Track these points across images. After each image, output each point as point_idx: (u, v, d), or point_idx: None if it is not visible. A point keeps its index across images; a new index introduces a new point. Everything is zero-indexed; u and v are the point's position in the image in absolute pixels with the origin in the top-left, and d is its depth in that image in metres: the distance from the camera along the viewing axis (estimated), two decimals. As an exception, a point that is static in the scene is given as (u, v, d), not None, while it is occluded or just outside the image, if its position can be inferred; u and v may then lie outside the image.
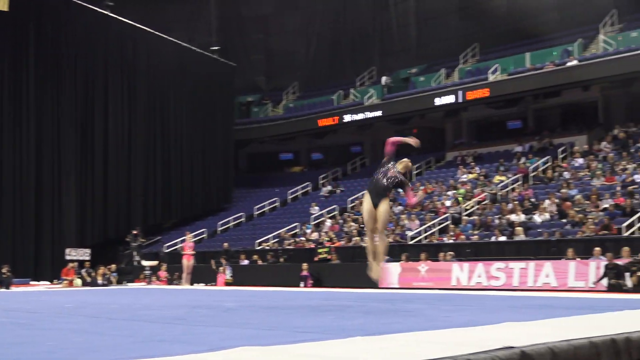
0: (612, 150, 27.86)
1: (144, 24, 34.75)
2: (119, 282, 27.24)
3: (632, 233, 20.27)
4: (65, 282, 25.65)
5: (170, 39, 36.40)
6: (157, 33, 35.35)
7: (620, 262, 17.62)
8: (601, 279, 17.44)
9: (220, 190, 38.76)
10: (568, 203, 23.28)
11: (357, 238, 26.11)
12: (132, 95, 33.86)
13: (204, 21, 42.66)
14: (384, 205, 8.74)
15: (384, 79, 38.33)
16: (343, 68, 44.35)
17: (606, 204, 22.33)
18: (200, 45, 39.39)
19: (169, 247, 32.43)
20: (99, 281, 25.61)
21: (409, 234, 25.24)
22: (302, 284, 23.02)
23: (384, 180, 8.86)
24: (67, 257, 27.92)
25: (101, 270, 26.50)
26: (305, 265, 23.57)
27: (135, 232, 30.17)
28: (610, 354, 4.53)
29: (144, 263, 28.79)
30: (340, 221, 30.04)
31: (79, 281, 25.96)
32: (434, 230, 25.28)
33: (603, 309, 7.56)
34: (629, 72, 28.24)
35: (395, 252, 23.42)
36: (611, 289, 17.15)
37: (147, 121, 34.53)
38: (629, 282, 17.16)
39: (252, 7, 45.22)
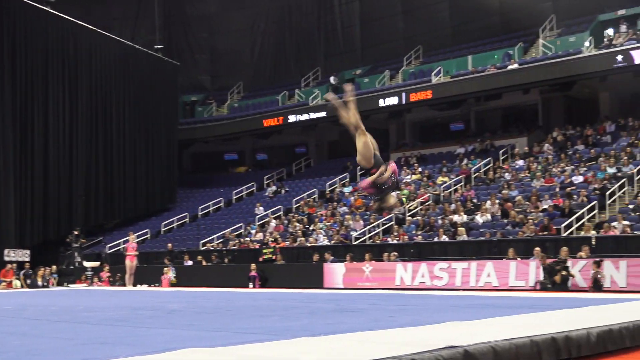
0: (551, 152, 28.44)
1: (86, 21, 34.16)
2: (59, 284, 26.72)
3: (571, 233, 20.74)
4: (4, 284, 25.05)
5: (113, 36, 35.89)
6: (99, 30, 34.79)
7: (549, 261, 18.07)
8: (545, 278, 17.77)
9: (164, 191, 38.33)
10: (509, 204, 23.68)
11: (302, 238, 26.13)
12: (74, 93, 33.24)
13: (147, 19, 42.14)
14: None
15: (332, 79, 38.39)
16: (288, 68, 44.35)
17: (546, 204, 22.78)
18: (143, 43, 38.93)
19: (111, 247, 31.96)
20: (39, 283, 25.09)
21: (354, 234, 25.36)
22: (250, 285, 22.93)
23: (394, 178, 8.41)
24: (6, 258, 27.27)
25: (41, 271, 25.97)
26: (253, 266, 23.49)
27: (76, 232, 29.64)
28: (550, 352, 4.61)
29: (86, 264, 28.30)
30: (285, 222, 30.02)
31: (18, 283, 25.38)
32: (378, 230, 25.44)
33: (543, 307, 7.70)
34: (568, 75, 28.89)
35: (340, 252, 23.51)
36: (541, 287, 17.70)
37: (89, 119, 33.93)
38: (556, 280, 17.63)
39: (197, 6, 44.90)
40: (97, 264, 28.49)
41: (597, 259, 17.44)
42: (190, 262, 27.10)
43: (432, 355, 3.93)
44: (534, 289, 17.72)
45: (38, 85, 31.62)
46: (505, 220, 22.65)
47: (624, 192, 23.07)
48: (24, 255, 28.17)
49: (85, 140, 33.56)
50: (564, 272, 17.62)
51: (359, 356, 3.81)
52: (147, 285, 24.92)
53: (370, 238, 24.87)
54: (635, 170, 23.76)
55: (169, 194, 38.79)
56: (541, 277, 18.02)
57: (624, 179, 23.28)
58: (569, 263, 17.82)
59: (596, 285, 17.03)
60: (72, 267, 28.98)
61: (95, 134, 34.16)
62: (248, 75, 44.94)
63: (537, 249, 18.97)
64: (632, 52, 26.99)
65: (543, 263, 18.10)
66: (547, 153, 28.42)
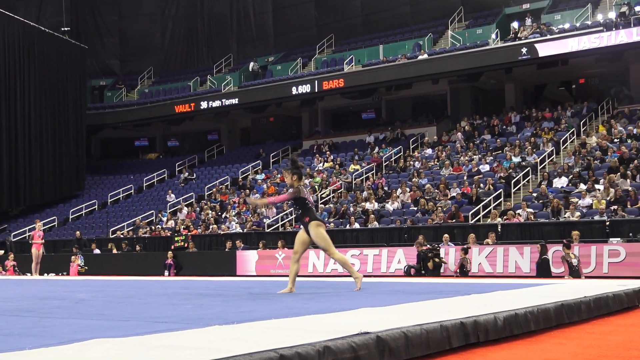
0: (459, 141, 29.08)
1: (-11, 1, 32.88)
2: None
3: (478, 220, 21.28)
4: None
5: (17, 17, 34.60)
6: (1, 10, 33.49)
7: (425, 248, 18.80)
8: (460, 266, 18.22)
9: (72, 177, 37.33)
10: (419, 192, 24.10)
11: (214, 226, 25.94)
12: (-24, 75, 31.98)
13: (53, 0, 40.84)
14: (312, 230, 8.98)
15: (251, 65, 38.03)
16: (200, 54, 43.86)
17: (454, 192, 23.29)
18: (49, 25, 37.75)
19: (16, 235, 30.94)
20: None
21: (266, 221, 25.32)
22: (166, 272, 22.63)
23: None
24: None
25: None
26: (170, 254, 23.17)
27: (-22, 220, 28.59)
28: (459, 336, 4.70)
29: (-12, 253, 27.31)
30: (197, 209, 29.72)
31: None
32: (290, 218, 25.48)
33: (452, 293, 7.86)
34: (475, 67, 29.59)
35: (253, 240, 23.44)
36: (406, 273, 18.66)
37: (-8, 104, 32.71)
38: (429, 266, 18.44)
39: (106, -12, 43.81)
40: (1, 252, 27.50)
41: (465, 247, 18.30)
42: (97, 251, 26.50)
43: (345, 341, 3.95)
44: (448, 275, 18.10)
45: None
46: (415, 208, 23.03)
47: (528, 181, 23.83)
48: None
49: (-12, 124, 32.34)
50: (436, 259, 18.39)
51: (273, 343, 3.79)
52: (54, 274, 24.23)
53: (282, 225, 24.89)
54: (539, 159, 24.56)
55: (77, 180, 37.81)
56: (414, 262, 18.75)
57: (528, 168, 24.05)
58: (442, 250, 18.63)
59: (462, 271, 17.87)
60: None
61: (-2, 119, 32.95)
62: (159, 60, 44.20)
63: (446, 235, 19.39)
64: (537, 45, 27.84)
65: (418, 249, 18.66)
66: (454, 142, 29.05)
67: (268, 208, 23.15)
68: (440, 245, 18.89)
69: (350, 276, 9.63)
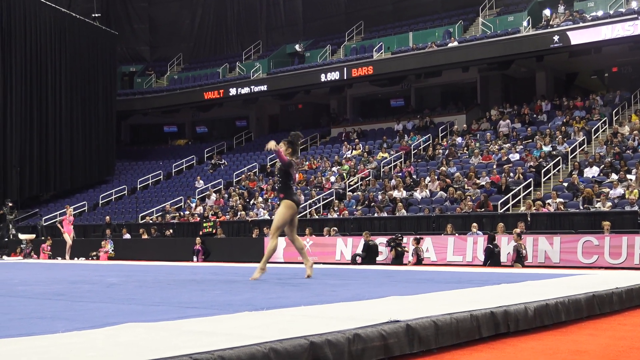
0: (488, 129, 28.87)
1: (21, -13, 33.17)
2: (-7, 256, 26.11)
3: (507, 209, 21.12)
4: None
5: (49, 3, 34.89)
6: (34, -3, 33.85)
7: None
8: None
9: (102, 162, 37.69)
10: (448, 180, 23.97)
11: (242, 212, 26.04)
12: (8, 61, 32.31)
13: (85, -13, 41.13)
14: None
15: (297, 46, 37.77)
16: (229, 41, 43.93)
17: (483, 181, 23.14)
18: (80, 11, 38.00)
19: (47, 220, 31.33)
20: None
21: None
22: (195, 258, 22.78)
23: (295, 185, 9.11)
24: (-64, 231, 26.51)
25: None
26: (198, 240, 23.31)
27: (10, 204, 28.92)
28: (489, 326, 4.68)
29: (21, 236, 27.67)
30: (225, 195, 29.85)
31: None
32: (318, 205, 25.50)
33: (481, 282, 7.82)
34: (506, 54, 29.29)
35: (280, 226, 23.44)
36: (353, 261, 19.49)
37: (24, 89, 33.07)
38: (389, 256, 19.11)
39: (136, -26, 44.01)
40: (32, 236, 27.87)
41: (418, 237, 18.90)
42: (128, 236, 26.75)
43: (375, 329, 3.94)
44: (473, 265, 18.03)
45: (-30, 53, 30.68)
46: (443, 197, 22.93)
47: (558, 170, 23.59)
48: (-45, 227, 27.42)
49: (20, 110, 32.73)
50: (398, 248, 18.89)
51: (303, 330, 3.80)
52: (84, 259, 24.51)
53: (309, 213, 24.91)
54: (570, 148, 24.30)
55: (107, 166, 38.17)
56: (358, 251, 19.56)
57: (559, 157, 23.80)
58: (405, 239, 19.22)
59: (418, 260, 18.48)
60: (6, 239, 28.32)
61: (29, 104, 33.30)
62: (188, 46, 44.35)
63: (475, 224, 19.29)
64: (569, 33, 27.50)
65: (366, 239, 19.37)
66: (483, 130, 28.84)
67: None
68: (401, 235, 19.42)
69: (302, 263, 9.62)
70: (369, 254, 19.32)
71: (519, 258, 17.04)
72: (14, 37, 32.58)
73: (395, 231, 20.70)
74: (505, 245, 18.01)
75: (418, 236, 19.09)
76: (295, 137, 9.30)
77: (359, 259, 19.33)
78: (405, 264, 18.32)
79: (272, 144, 8.88)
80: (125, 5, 44.22)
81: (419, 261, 18.58)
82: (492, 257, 17.35)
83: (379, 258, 19.65)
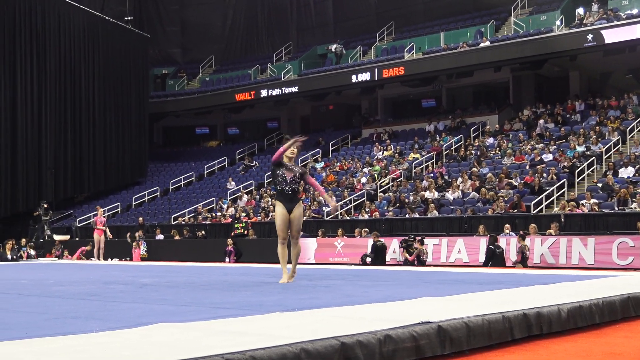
0: (521, 130, 28.64)
1: (55, -9, 33.63)
2: (29, 257, 26.44)
3: (540, 210, 20.94)
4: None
5: (82, 7, 35.33)
6: (68, 0, 34.24)
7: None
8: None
9: (135, 164, 38.05)
10: (480, 181, 23.83)
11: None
12: (42, 64, 32.76)
13: (117, -10, 41.56)
14: (298, 210, 8.81)
15: (334, 47, 37.69)
16: (260, 42, 44.08)
17: (516, 182, 22.97)
18: (113, 14, 38.41)
19: (81, 221, 31.71)
20: (8, 256, 24.79)
21: (326, 210, 25.38)
22: (226, 259, 22.91)
23: (288, 186, 8.83)
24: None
25: (9, 244, 25.63)
26: (230, 241, 23.43)
27: (45, 205, 29.33)
28: (522, 328, 4.65)
29: (56, 237, 28.04)
30: (257, 196, 29.97)
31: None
32: (350, 206, 25.50)
33: (514, 284, 7.77)
34: (539, 54, 29.01)
35: (312, 227, 23.53)
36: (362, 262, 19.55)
37: (58, 91, 33.52)
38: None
39: (167, -23, 44.36)
40: (66, 237, 28.23)
41: (422, 238, 19.24)
42: (161, 236, 26.98)
43: (406, 330, 3.94)
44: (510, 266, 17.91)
45: (5, 57, 31.15)
46: (475, 197, 22.80)
47: (592, 171, 23.33)
48: (-8, 228, 27.87)
49: (54, 112, 33.18)
50: (410, 249, 19.20)
51: (334, 331, 3.81)
52: (117, 260, 24.76)
53: (341, 214, 24.92)
54: (604, 148, 24.03)
55: (139, 167, 38.52)
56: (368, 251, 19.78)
57: (593, 158, 23.54)
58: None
59: (419, 261, 18.81)
60: (42, 240, 28.72)
61: (64, 106, 33.75)
62: (220, 48, 44.58)
63: (507, 225, 19.16)
64: (603, 32, 27.18)
65: (374, 240, 19.61)
66: (517, 131, 28.62)
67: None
68: (413, 236, 19.53)
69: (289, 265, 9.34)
70: (378, 255, 19.48)
71: (523, 259, 17.28)
72: (48, 40, 33.04)
73: (427, 232, 20.65)
74: (506, 245, 18.13)
75: (421, 237, 19.31)
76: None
77: (368, 260, 19.47)
78: (421, 265, 18.46)
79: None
80: (157, 7, 44.58)
81: (420, 262, 18.77)
82: (493, 258, 17.60)
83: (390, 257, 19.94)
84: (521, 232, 18.04)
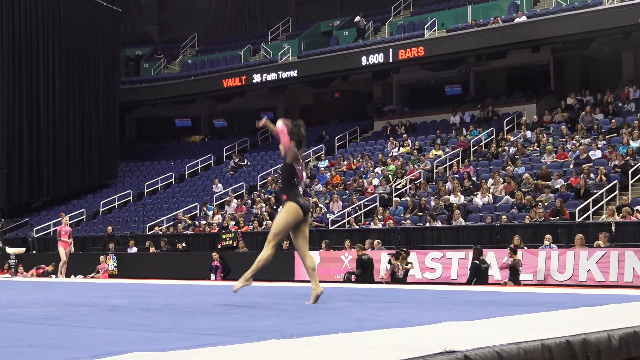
0: (564, 122, 28.61)
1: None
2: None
3: (587, 218, 20.92)
4: None
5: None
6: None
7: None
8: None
9: (103, 163, 38.08)
10: (514, 183, 23.82)
11: (269, 221, 26.15)
12: (-7, 44, 32.85)
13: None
14: (282, 211, 8.78)
15: (357, 18, 37.51)
16: (252, 18, 44.14)
17: (557, 184, 22.95)
18: (78, -16, 38.50)
19: (39, 230, 31.76)
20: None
21: (330, 217, 25.38)
22: (212, 276, 22.92)
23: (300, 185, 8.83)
24: None
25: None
26: (215, 255, 23.46)
27: (-4, 212, 29.43)
28: (565, 357, 4.65)
29: (9, 250, 28.08)
30: (249, 201, 30.00)
31: None
32: (359, 213, 25.50)
33: (556, 305, 7.76)
34: (585, 31, 28.96)
35: (314, 238, 23.52)
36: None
37: (11, 76, 33.58)
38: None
39: (143, -59, 44.43)
40: (22, 250, 28.26)
41: (398, 251, 19.58)
42: (135, 249, 27.02)
43: (426, 361, 3.95)
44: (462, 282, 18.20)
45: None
46: (509, 203, 22.80)
47: (649, 170, 23.32)
48: None
49: (6, 101, 33.24)
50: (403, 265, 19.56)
51: (340, 362, 3.81)
52: (82, 276, 24.81)
53: (348, 222, 24.92)
54: (663, 144, 24.04)
55: (108, 167, 38.56)
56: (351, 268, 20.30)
57: (650, 155, 23.54)
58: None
59: (393, 278, 19.27)
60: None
61: (17, 94, 33.79)
62: (204, 25, 44.62)
63: (548, 236, 19.15)
64: (662, 4, 27.17)
65: (359, 254, 19.98)
66: (557, 123, 28.61)
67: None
68: (406, 249, 19.87)
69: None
70: (365, 271, 19.64)
71: (514, 276, 17.89)
72: None
73: (451, 244, 20.64)
74: (546, 260, 18.34)
75: (399, 250, 19.71)
76: (297, 127, 8.65)
77: (353, 278, 19.72)
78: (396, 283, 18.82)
79: (265, 121, 8.84)
80: (130, -23, 44.72)
81: (394, 280, 19.14)
82: (478, 274, 18.08)
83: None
84: (512, 246, 18.53)
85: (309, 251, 9.21)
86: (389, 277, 19.33)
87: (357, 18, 36.85)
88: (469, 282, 18.10)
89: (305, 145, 8.93)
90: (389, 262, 19.56)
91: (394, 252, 19.69)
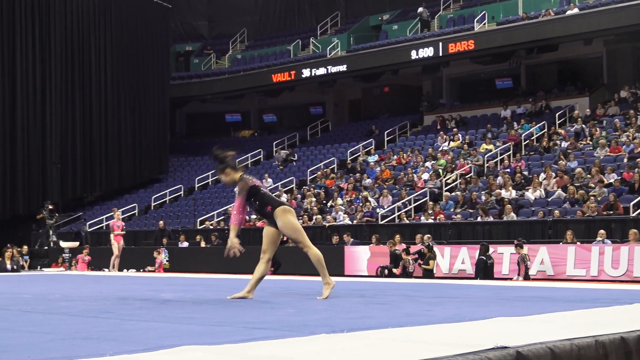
0: (618, 115, 28.24)
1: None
2: (32, 267, 26.92)
3: (641, 213, 20.63)
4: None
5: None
6: (75, -34, 34.79)
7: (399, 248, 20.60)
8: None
9: (154, 158, 38.44)
10: (567, 177, 23.58)
11: (318, 216, 26.20)
12: (46, 41, 33.28)
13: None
14: (279, 219, 8.76)
15: (420, 9, 37.07)
16: (302, 12, 44.17)
17: (611, 178, 22.67)
18: (129, -19, 38.86)
19: (92, 225, 32.14)
20: (8, 266, 25.28)
21: (380, 212, 25.35)
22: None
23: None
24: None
25: (8, 252, 26.12)
26: (267, 248, 23.52)
27: (50, 207, 29.78)
28: (620, 354, 4.59)
29: (63, 244, 28.48)
30: (298, 196, 30.06)
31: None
32: (409, 207, 25.43)
33: (609, 301, 7.67)
34: (639, 23, 28.53)
35: (364, 233, 23.52)
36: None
37: (64, 73, 34.00)
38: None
39: (192, -63, 44.71)
40: (76, 244, 28.63)
41: (408, 248, 20.28)
42: (186, 244, 27.23)
43: (477, 357, 3.92)
44: (598, 280, 17.71)
45: (2, 35, 31.67)
46: (561, 197, 22.57)
47: None
48: (-11, 233, 28.40)
49: (60, 98, 33.65)
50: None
51: (390, 357, 3.81)
52: (134, 270, 25.08)
53: (399, 217, 24.87)
54: None
55: (159, 162, 38.91)
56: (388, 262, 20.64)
57: None
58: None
59: (404, 272, 19.82)
60: (46, 247, 29.19)
61: (71, 91, 34.23)
62: (253, 20, 44.77)
63: (602, 231, 18.92)
64: None
65: (391, 249, 20.50)
66: (611, 116, 28.24)
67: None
68: (429, 244, 20.22)
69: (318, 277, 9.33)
70: (396, 265, 20.19)
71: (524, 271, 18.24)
72: (52, 14, 33.51)
73: (503, 239, 20.51)
74: (599, 255, 18.09)
75: (413, 246, 20.32)
76: (217, 156, 8.97)
77: (387, 272, 20.12)
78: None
79: (234, 241, 8.85)
80: (180, -28, 45.03)
81: (405, 274, 19.67)
82: (484, 270, 18.35)
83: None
84: (516, 241, 18.69)
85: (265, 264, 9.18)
86: (401, 271, 19.92)
87: (420, 9, 36.56)
88: (475, 278, 18.43)
89: (237, 163, 9.14)
90: (402, 256, 20.16)
91: (404, 247, 20.32)
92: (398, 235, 21.80)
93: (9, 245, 25.44)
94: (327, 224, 25.23)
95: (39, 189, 32.57)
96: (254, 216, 28.81)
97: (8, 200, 31.58)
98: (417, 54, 33.28)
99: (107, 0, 36.12)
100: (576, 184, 22.83)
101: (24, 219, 32.12)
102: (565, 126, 29.32)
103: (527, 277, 18.10)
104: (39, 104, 32.81)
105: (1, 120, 31.41)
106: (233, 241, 8.77)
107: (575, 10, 30.48)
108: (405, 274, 19.70)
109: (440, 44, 32.64)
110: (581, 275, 18.26)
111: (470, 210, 23.55)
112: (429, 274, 19.42)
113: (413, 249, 20.44)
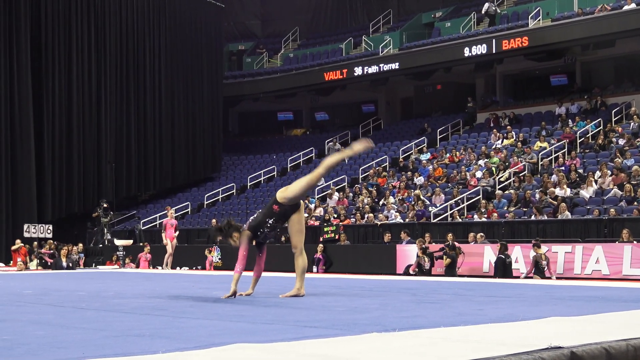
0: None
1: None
2: (87, 265, 27.29)
3: (699, 211, 20.28)
4: (20, 264, 25.65)
5: (146, -26, 36.21)
6: (130, -33, 35.19)
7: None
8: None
9: (207, 157, 38.74)
10: (623, 175, 23.28)
11: (371, 215, 26.17)
12: (101, 42, 33.71)
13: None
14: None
15: (487, 5, 36.83)
16: (354, 11, 44.16)
17: (668, 176, 22.34)
18: (182, -18, 39.20)
19: (146, 223, 32.49)
20: (63, 263, 25.70)
21: (432, 210, 25.26)
22: (314, 268, 23.05)
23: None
24: (26, 235, 27.98)
25: (64, 250, 26.55)
26: (320, 247, 23.57)
27: (105, 205, 30.18)
28: (677, 355, 4.52)
29: (117, 242, 28.84)
30: (350, 195, 30.06)
31: (34, 263, 26.01)
32: (462, 206, 25.30)
33: (666, 301, 7.57)
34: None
35: (416, 231, 23.44)
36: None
37: (119, 74, 34.41)
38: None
39: (245, -63, 44.93)
40: (129, 242, 28.96)
41: (425, 246, 20.59)
42: (238, 242, 27.34)
43: (531, 357, 3.89)
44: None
45: (59, 33, 32.16)
46: (618, 196, 22.28)
47: None
48: (45, 231, 28.83)
49: (115, 97, 34.06)
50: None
51: (442, 357, 3.79)
52: (187, 268, 25.29)
53: (451, 215, 24.75)
54: None
55: (212, 160, 39.20)
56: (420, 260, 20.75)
57: None
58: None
59: (420, 270, 20.24)
60: (100, 245, 29.58)
61: (125, 90, 34.63)
62: (305, 19, 44.86)
63: (420, 239, 18.92)
64: None
65: (420, 247, 20.67)
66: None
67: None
68: (449, 243, 20.41)
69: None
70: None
71: (538, 270, 18.37)
72: (107, 16, 33.93)
73: (557, 237, 20.32)
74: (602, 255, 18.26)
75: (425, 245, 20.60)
76: (221, 230, 9.50)
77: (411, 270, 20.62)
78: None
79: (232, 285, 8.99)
80: (233, -28, 45.29)
81: (420, 271, 20.10)
82: (503, 268, 18.60)
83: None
84: (534, 241, 18.94)
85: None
86: (416, 267, 20.40)
87: (487, 5, 36.18)
88: (495, 276, 18.57)
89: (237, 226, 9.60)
90: (417, 254, 20.49)
91: (423, 245, 20.63)
92: (428, 234, 22.07)
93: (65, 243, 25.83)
94: (379, 223, 25.19)
95: (94, 188, 33.01)
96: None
97: (64, 199, 32.04)
98: (470, 52, 33.08)
99: (162, 1, 36.47)
100: (633, 182, 22.52)
101: (80, 217, 32.58)
102: (622, 123, 28.92)
103: (543, 276, 18.20)
104: (95, 104, 33.23)
105: (58, 120, 31.86)
106: (233, 289, 8.91)
107: (633, 5, 30.03)
108: (421, 272, 20.07)
109: (494, 41, 32.42)
110: (637, 275, 17.98)
111: (524, 209, 23.36)
112: (450, 271, 19.71)
113: (432, 248, 20.79)
